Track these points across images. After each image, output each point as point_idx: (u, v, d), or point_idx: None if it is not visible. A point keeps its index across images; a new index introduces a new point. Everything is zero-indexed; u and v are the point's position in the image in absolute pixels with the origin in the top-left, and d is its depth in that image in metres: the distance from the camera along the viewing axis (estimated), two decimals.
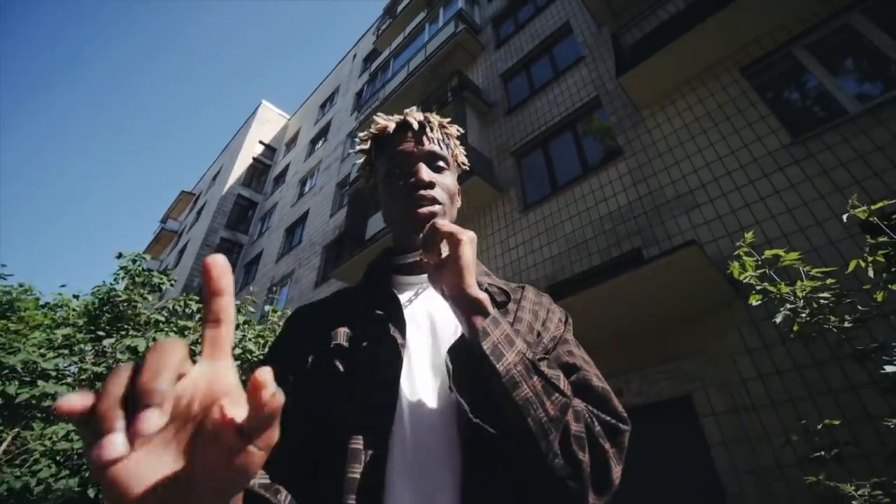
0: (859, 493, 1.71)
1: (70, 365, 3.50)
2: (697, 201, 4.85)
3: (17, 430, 3.15)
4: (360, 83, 16.84)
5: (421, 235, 0.60)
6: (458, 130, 0.81)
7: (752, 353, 3.84)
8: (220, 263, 0.29)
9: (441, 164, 0.74)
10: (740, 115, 4.98)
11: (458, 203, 0.79)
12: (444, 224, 0.58)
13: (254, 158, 22.65)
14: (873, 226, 1.92)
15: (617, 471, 0.52)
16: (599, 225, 5.66)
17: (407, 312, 0.64)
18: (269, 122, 24.77)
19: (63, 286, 4.58)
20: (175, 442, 0.26)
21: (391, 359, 0.57)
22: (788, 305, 1.99)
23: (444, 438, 0.52)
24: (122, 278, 4.60)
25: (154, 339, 3.72)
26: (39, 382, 3.12)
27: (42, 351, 3.30)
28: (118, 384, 0.24)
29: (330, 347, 0.59)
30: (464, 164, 0.83)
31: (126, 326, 4.30)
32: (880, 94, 4.19)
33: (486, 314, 0.53)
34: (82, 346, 3.72)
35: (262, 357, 4.13)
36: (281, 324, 4.70)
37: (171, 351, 0.26)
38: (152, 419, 0.24)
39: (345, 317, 0.64)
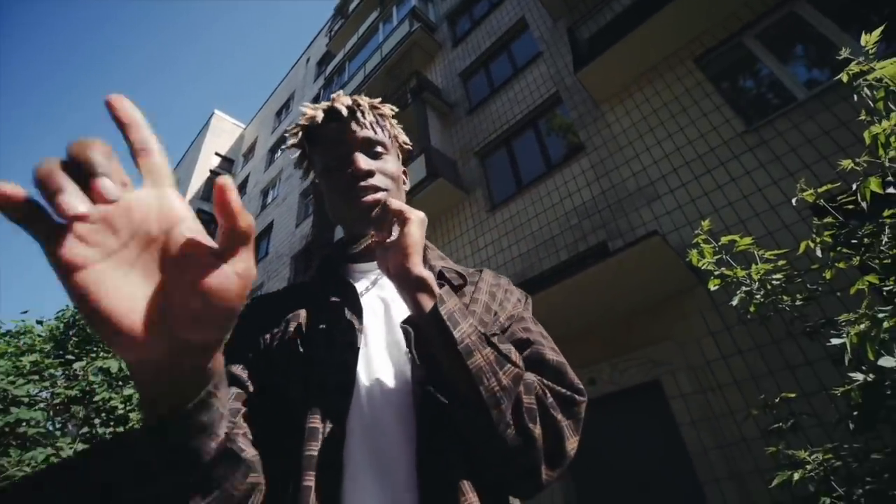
0: (812, 457, 1.76)
1: (41, 391, 3.44)
2: (658, 192, 4.93)
3: None
4: (316, 88, 16.37)
5: (373, 214, 0.61)
6: (391, 109, 0.76)
7: (715, 335, 3.95)
8: (122, 100, 0.27)
9: (379, 149, 0.70)
10: (696, 106, 5.09)
11: (406, 186, 0.78)
12: (395, 203, 0.58)
13: (211, 171, 21.61)
14: (822, 208, 1.96)
15: (572, 442, 0.52)
16: (566, 221, 5.69)
17: (363, 299, 0.64)
18: (224, 133, 23.64)
19: (25, 312, 4.44)
20: (141, 263, 0.26)
21: (348, 342, 0.57)
22: (744, 288, 2.02)
23: (400, 416, 0.53)
24: None
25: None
26: (12, 409, 3.08)
27: (11, 378, 3.25)
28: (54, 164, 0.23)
29: (287, 331, 0.59)
30: (405, 143, 0.79)
31: (95, 349, 4.20)
32: (826, 79, 4.35)
33: (431, 291, 0.53)
34: (52, 370, 3.68)
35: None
36: None
37: (99, 143, 0.25)
38: (108, 185, 0.24)
39: (301, 304, 0.64)
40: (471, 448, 0.50)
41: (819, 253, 1.89)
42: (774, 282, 2.04)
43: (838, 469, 1.73)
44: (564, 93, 6.75)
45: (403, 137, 0.78)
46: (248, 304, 0.68)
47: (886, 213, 1.65)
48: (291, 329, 0.59)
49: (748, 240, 2.08)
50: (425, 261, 0.68)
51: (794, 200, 2.02)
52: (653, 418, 4.10)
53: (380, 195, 0.66)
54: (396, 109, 0.78)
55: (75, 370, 3.69)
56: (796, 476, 1.73)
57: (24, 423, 3.05)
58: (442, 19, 11.00)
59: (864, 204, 1.57)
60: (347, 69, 12.30)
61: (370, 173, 0.66)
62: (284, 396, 0.53)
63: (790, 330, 3.45)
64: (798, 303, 1.99)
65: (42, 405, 3.35)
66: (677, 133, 5.11)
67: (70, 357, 4.03)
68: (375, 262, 0.69)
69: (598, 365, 4.52)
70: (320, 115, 0.69)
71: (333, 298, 0.63)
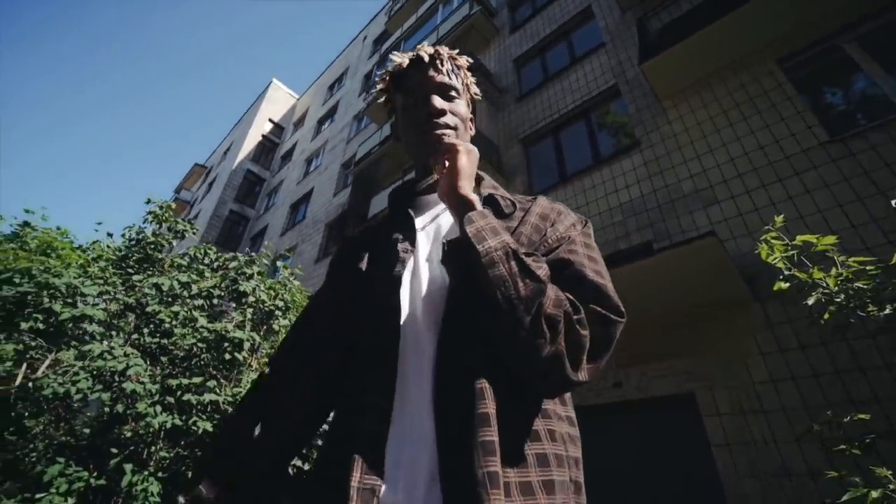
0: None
1: (104, 293, 3.82)
2: (718, 197, 4.47)
3: (58, 350, 3.53)
4: (370, 65, 16.54)
5: (432, 151, 0.72)
6: (467, 60, 0.85)
7: (765, 356, 3.53)
8: None
9: (452, 93, 0.80)
10: (773, 109, 4.58)
11: (472, 130, 0.87)
12: (451, 139, 0.73)
13: (263, 136, 22.65)
14: None
15: (599, 356, 0.55)
16: (609, 216, 5.31)
17: (421, 227, 0.72)
18: (278, 101, 24.67)
19: (100, 224, 5.03)
20: None
21: (397, 264, 0.66)
22: (822, 290, 1.69)
23: (432, 322, 0.60)
24: (151, 222, 5.00)
25: (178, 280, 4.08)
26: (79, 304, 3.51)
27: (82, 279, 3.69)
28: None
29: (360, 263, 0.73)
30: (476, 94, 0.88)
31: (152, 268, 4.72)
32: None
33: (474, 209, 0.61)
34: (114, 279, 4.10)
35: (273, 307, 4.54)
36: (291, 279, 5.11)
37: None
38: None
39: (372, 242, 0.76)
40: (496, 347, 0.55)
41: None
42: (860, 287, 1.69)
43: None
44: (624, 86, 6.32)
45: (475, 88, 0.87)
46: (345, 241, 0.83)
47: None
48: (361, 260, 0.73)
49: (831, 238, 1.75)
50: (476, 188, 0.76)
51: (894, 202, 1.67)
52: (681, 434, 3.75)
53: (448, 132, 0.75)
54: (472, 60, 0.84)
55: (134, 281, 4.10)
56: (874, 494, 1.40)
57: (87, 319, 3.47)
58: (503, 4, 10.67)
59: None
60: (402, 48, 12.20)
61: (443, 112, 0.76)
62: (352, 315, 0.68)
63: (860, 362, 3.03)
64: (888, 311, 1.61)
65: (103, 306, 3.73)
66: (747, 136, 4.62)
67: (130, 271, 4.52)
68: (437, 195, 0.75)
69: (626, 369, 4.19)
70: (406, 62, 0.80)
71: (395, 231, 0.72)
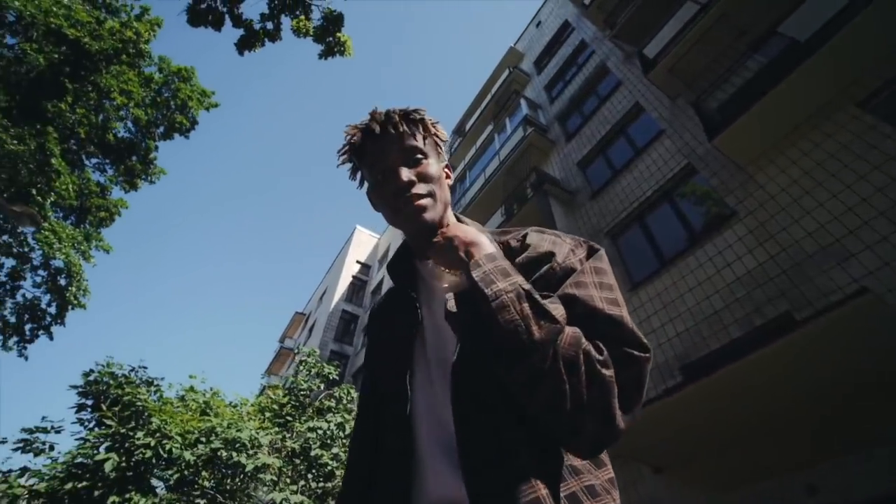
0: None
1: (273, 442, 4.30)
2: (850, 250, 4.17)
3: None
4: None
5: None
6: (419, 113, 0.77)
7: None
8: None
9: (418, 155, 0.73)
10: (875, 150, 4.44)
11: (450, 180, 0.82)
12: (425, 203, 0.70)
13: (353, 276, 24.92)
14: None
15: (632, 402, 0.50)
16: (729, 293, 5.05)
17: (423, 301, 0.74)
18: (363, 244, 27.60)
19: (263, 376, 6.07)
20: None
21: (406, 335, 0.71)
22: None
23: (446, 377, 0.59)
24: (302, 371, 5.85)
25: (333, 423, 4.53)
26: (259, 455, 3.99)
27: (258, 431, 4.19)
28: None
29: (379, 338, 0.81)
30: (444, 139, 0.82)
31: (304, 414, 5.29)
32: None
33: (480, 252, 0.60)
34: (279, 428, 4.64)
35: None
36: None
37: None
38: None
39: (389, 319, 0.80)
40: (516, 400, 0.51)
41: None
42: None
43: None
44: (698, 163, 6.50)
45: (441, 134, 0.80)
46: (371, 322, 0.87)
47: None
48: (380, 344, 0.80)
49: None
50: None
51: None
52: None
53: (423, 202, 0.70)
54: (424, 109, 0.79)
55: (297, 429, 4.64)
56: None
57: (267, 468, 3.87)
58: (552, 121, 11.86)
59: None
60: (468, 176, 13.66)
61: (411, 183, 0.70)
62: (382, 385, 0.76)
63: None
64: None
65: (276, 455, 4.22)
66: (858, 182, 4.44)
67: (289, 419, 5.09)
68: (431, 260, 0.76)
69: (818, 467, 3.56)
70: (359, 137, 0.74)
71: (400, 312, 0.77)
